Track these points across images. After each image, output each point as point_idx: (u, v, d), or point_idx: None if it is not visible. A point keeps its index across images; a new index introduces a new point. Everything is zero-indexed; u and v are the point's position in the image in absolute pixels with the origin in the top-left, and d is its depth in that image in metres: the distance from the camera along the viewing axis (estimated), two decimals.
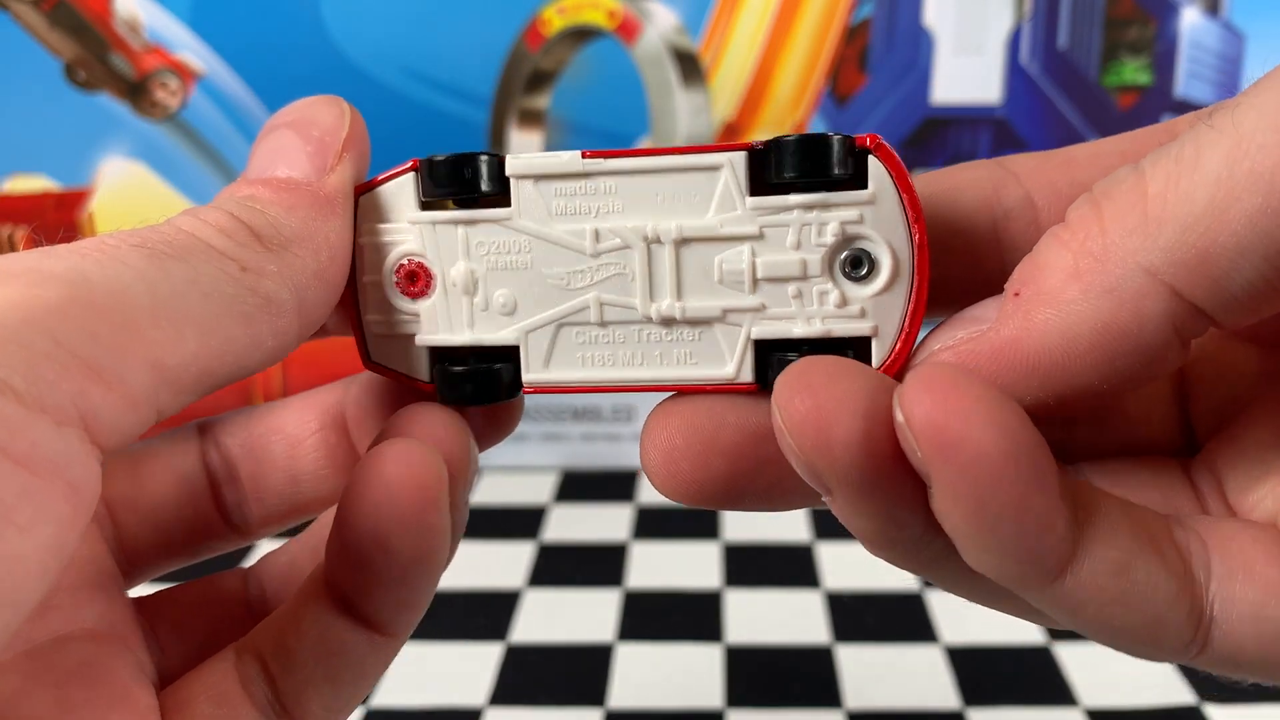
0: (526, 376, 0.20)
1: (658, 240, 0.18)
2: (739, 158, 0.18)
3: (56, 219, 0.53)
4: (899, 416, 0.15)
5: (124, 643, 0.19)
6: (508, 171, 0.19)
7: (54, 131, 0.51)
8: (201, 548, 0.23)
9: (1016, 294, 0.16)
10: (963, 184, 0.19)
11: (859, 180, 0.17)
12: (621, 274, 0.19)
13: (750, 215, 0.18)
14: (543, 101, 0.52)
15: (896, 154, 0.17)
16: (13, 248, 0.53)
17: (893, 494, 0.15)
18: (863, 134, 0.18)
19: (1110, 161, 0.16)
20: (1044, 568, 0.15)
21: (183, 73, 0.51)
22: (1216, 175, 0.14)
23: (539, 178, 0.19)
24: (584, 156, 0.18)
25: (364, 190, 0.20)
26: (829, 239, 0.18)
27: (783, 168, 0.17)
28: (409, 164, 0.20)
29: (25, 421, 0.12)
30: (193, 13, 0.50)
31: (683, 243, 0.18)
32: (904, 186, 0.17)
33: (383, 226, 0.20)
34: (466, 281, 0.20)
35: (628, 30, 0.51)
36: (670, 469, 0.18)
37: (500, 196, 0.19)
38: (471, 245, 0.19)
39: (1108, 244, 0.15)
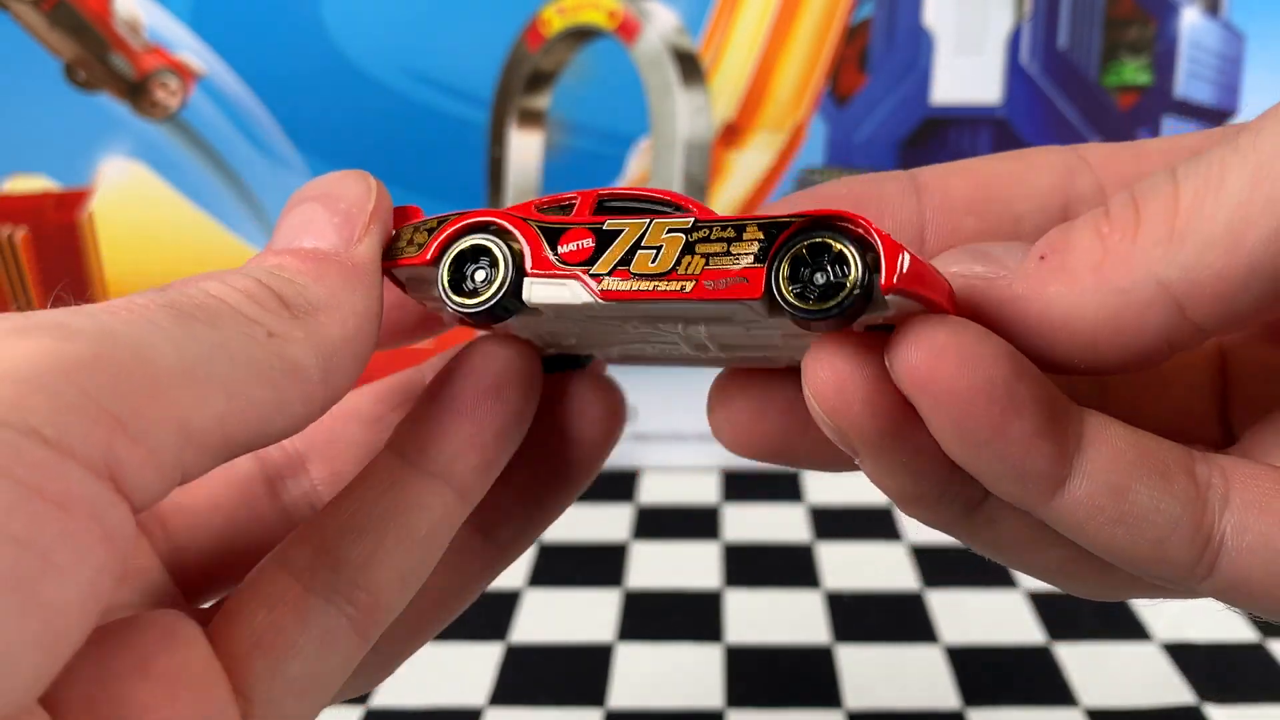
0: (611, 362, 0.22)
1: (690, 333, 0.19)
2: (755, 304, 0.17)
3: (56, 219, 0.53)
4: (888, 363, 0.16)
5: None
6: (528, 305, 0.18)
7: (54, 131, 0.51)
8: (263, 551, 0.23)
9: (1042, 257, 0.17)
10: (1039, 164, 0.20)
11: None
12: (666, 338, 0.20)
13: (774, 326, 0.18)
14: (543, 101, 0.52)
15: (922, 267, 0.16)
16: (13, 248, 0.53)
17: (909, 445, 0.17)
18: (890, 242, 0.16)
19: (1180, 158, 0.17)
20: (1036, 486, 0.16)
21: (183, 73, 0.51)
22: (1238, 198, 0.15)
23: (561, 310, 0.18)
24: (602, 299, 0.17)
25: (389, 267, 0.20)
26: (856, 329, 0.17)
27: (804, 326, 0.17)
28: (429, 256, 0.19)
29: (58, 465, 0.12)
30: (193, 13, 0.50)
31: (714, 333, 0.19)
32: (932, 309, 0.16)
33: (428, 301, 0.20)
34: (528, 334, 0.21)
35: (628, 30, 0.51)
36: (732, 425, 0.20)
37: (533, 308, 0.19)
38: (520, 321, 0.20)
39: (1135, 249, 0.16)
